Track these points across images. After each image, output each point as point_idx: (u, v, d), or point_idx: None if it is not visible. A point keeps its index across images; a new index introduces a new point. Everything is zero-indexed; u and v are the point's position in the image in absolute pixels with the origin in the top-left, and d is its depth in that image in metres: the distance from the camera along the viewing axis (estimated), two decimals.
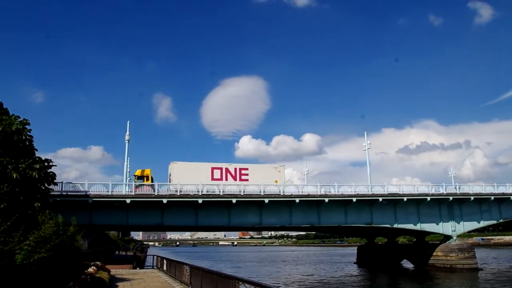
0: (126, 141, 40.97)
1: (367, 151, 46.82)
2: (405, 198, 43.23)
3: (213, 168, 40.98)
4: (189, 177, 38.87)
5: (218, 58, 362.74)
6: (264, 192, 39.77)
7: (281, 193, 40.72)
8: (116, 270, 25.79)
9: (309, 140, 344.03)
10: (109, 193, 37.06)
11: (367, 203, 43.51)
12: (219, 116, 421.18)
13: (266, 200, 39.51)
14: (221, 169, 41.53)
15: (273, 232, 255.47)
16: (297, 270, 56.85)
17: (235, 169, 42.04)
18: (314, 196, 41.68)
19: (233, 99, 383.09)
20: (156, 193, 37.85)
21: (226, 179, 41.12)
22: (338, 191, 42.41)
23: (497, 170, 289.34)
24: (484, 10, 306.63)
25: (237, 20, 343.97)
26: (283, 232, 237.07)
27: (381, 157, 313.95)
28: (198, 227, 43.45)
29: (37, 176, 14.50)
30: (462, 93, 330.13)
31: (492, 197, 47.22)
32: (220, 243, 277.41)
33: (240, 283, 10.40)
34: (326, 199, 41.19)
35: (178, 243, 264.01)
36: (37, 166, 14.73)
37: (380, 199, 42.56)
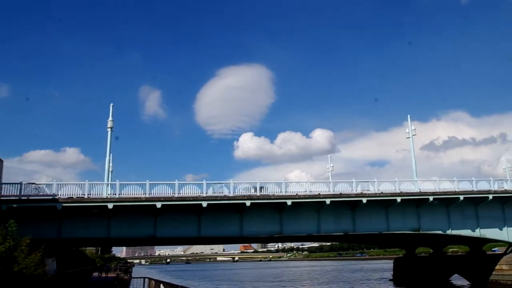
0: (109, 129, 32.13)
1: (411, 138, 37.86)
2: (461, 197, 34.36)
3: None
4: None
5: (214, 44, 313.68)
6: (286, 191, 31.53)
7: (308, 193, 32.15)
8: None
9: (320, 136, 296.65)
10: (85, 197, 28.38)
11: (414, 203, 34.72)
12: (216, 112, 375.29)
13: (289, 202, 31.05)
14: None
15: (280, 245, 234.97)
16: None
17: None
18: (349, 195, 32.87)
19: (232, 91, 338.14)
20: (147, 195, 29.01)
21: None
22: (378, 189, 33.74)
23: None
24: None
25: (235, 1, 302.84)
26: (292, 244, 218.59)
27: (404, 155, 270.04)
28: (201, 238, 34.15)
29: None
30: (496, 79, 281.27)
31: None
32: (218, 258, 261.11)
33: None
34: (364, 199, 32.55)
35: (168, 260, 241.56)
36: None
37: (431, 198, 33.81)
